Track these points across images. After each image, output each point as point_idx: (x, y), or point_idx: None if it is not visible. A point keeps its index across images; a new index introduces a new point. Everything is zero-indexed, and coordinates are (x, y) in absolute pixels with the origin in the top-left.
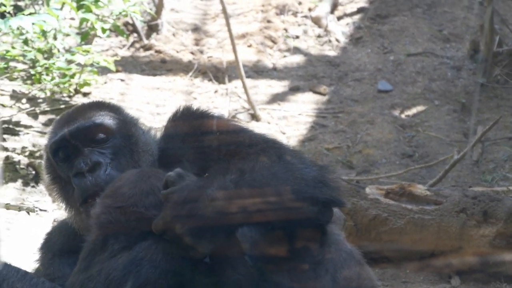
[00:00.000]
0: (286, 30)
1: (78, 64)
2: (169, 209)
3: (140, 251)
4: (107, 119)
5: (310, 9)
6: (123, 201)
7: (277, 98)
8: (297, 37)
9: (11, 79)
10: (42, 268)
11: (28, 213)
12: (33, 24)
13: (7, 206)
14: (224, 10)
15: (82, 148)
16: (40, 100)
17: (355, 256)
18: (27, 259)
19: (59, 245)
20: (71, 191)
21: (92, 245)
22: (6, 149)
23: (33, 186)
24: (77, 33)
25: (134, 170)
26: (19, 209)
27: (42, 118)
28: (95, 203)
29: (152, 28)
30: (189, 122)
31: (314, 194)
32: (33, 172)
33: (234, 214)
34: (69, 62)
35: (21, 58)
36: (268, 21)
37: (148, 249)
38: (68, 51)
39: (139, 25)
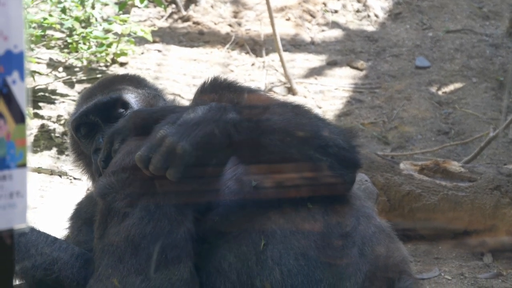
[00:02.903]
0: (325, 4)
1: (115, 34)
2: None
3: (151, 198)
4: (124, 93)
5: None
6: (112, 167)
7: (314, 72)
8: (336, 11)
9: (48, 47)
10: (72, 236)
11: (60, 176)
12: None
13: (39, 170)
14: None
15: (101, 123)
16: (76, 69)
17: (385, 230)
18: (60, 227)
19: (89, 214)
20: (93, 166)
21: (101, 216)
22: (41, 117)
23: (67, 155)
24: (115, 3)
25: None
26: (51, 172)
27: (78, 87)
28: None
29: None
30: (217, 93)
31: (326, 140)
32: (67, 139)
33: (244, 145)
34: (106, 31)
35: (58, 27)
36: None
37: (160, 194)
38: (105, 20)
39: None
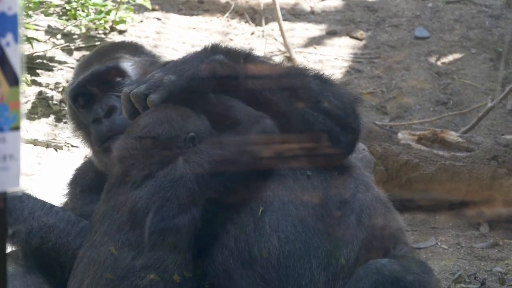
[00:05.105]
0: None
1: (114, 1)
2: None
3: (167, 176)
4: (121, 62)
5: None
6: (138, 131)
7: (313, 41)
8: None
9: (46, 14)
10: (70, 202)
11: (56, 150)
12: None
13: (35, 142)
14: None
15: (99, 93)
16: (75, 36)
17: (382, 199)
18: (57, 194)
19: (88, 181)
20: (93, 136)
21: (115, 179)
22: (39, 84)
23: (65, 122)
24: None
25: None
26: (47, 145)
27: (77, 54)
28: (112, 145)
29: None
30: None
31: (317, 95)
32: (66, 108)
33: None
34: None
35: None
36: None
37: (176, 172)
38: None
39: None
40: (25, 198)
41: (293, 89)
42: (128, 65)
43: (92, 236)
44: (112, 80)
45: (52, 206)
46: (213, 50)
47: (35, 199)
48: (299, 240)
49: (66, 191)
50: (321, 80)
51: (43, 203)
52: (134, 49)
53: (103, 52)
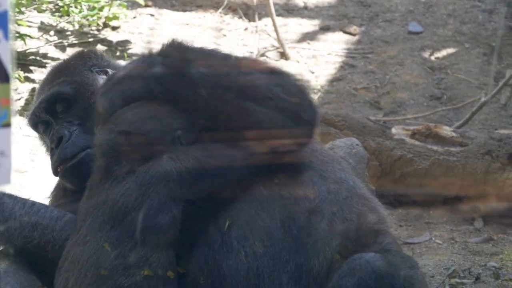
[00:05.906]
0: None
1: None
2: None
3: (148, 172)
4: (64, 86)
5: None
6: (125, 125)
7: (307, 37)
8: None
9: (40, 10)
10: (56, 202)
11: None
12: None
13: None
14: None
15: (52, 120)
16: (68, 33)
17: (358, 192)
18: (50, 191)
19: None
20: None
21: (96, 173)
22: (32, 81)
23: None
24: None
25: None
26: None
27: (70, 51)
28: (63, 171)
29: None
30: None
31: (263, 92)
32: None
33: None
34: None
35: None
36: None
37: (158, 167)
38: None
39: None
40: (6, 198)
41: (239, 88)
42: (72, 87)
43: (75, 234)
44: (60, 105)
45: (33, 204)
46: (153, 57)
47: (15, 198)
48: (267, 255)
49: (51, 193)
50: (269, 74)
51: (24, 202)
52: (82, 64)
53: (51, 77)
